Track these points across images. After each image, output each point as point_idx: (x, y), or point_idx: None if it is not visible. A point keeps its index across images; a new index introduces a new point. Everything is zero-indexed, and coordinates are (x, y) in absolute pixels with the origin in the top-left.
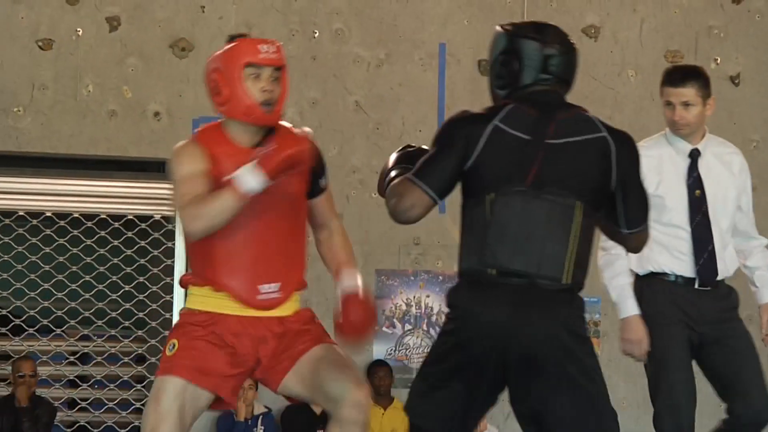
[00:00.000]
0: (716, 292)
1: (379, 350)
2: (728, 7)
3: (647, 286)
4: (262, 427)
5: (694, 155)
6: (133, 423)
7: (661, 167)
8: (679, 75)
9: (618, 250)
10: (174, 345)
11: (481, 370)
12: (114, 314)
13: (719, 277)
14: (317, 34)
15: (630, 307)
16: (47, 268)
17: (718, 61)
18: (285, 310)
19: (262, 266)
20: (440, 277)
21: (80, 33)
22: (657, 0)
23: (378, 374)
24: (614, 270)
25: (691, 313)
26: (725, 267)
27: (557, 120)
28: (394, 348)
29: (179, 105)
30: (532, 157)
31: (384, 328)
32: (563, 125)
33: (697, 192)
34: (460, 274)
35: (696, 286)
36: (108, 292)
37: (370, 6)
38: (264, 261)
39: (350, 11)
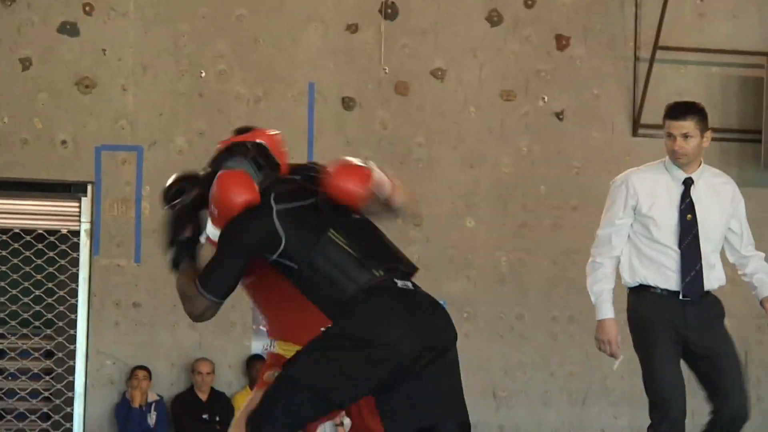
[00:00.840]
0: (701, 302)
1: (257, 346)
2: (554, 53)
3: (637, 295)
4: (155, 413)
5: (688, 183)
6: (41, 410)
7: (655, 190)
8: (680, 109)
9: (602, 259)
10: None
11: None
12: (26, 315)
13: (704, 291)
14: (204, 74)
15: (605, 311)
16: None
17: (546, 100)
18: None
19: None
20: None
21: None
22: (494, 47)
23: (256, 366)
24: (596, 277)
25: (677, 320)
26: (710, 283)
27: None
28: (269, 344)
29: (84, 135)
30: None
31: (261, 327)
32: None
33: (689, 216)
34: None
35: (680, 297)
36: (21, 296)
37: (249, 50)
38: None
39: (232, 54)
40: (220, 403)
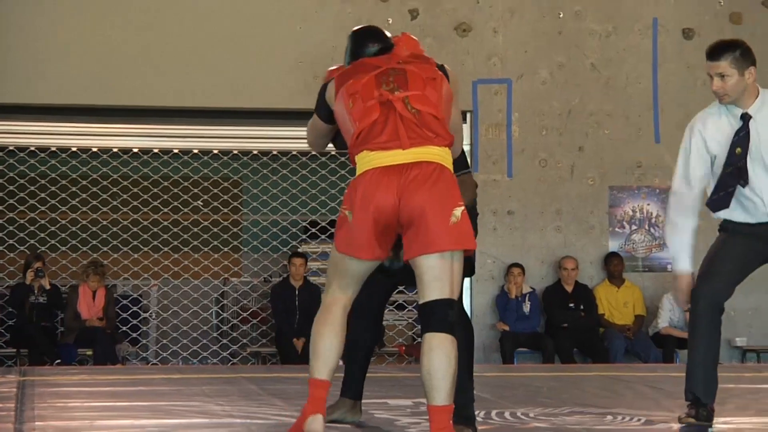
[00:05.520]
0: None
1: (613, 245)
2: None
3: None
4: (529, 303)
5: (746, 118)
6: None
7: (718, 129)
8: (715, 50)
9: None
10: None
11: None
12: None
13: None
14: (561, 15)
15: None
16: None
17: None
18: None
19: None
20: (657, 190)
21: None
22: None
23: (613, 262)
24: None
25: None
26: None
27: None
28: (624, 243)
29: (462, 71)
30: None
31: (616, 229)
32: None
33: (738, 150)
34: None
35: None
36: None
37: None
38: None
39: None
40: (584, 294)
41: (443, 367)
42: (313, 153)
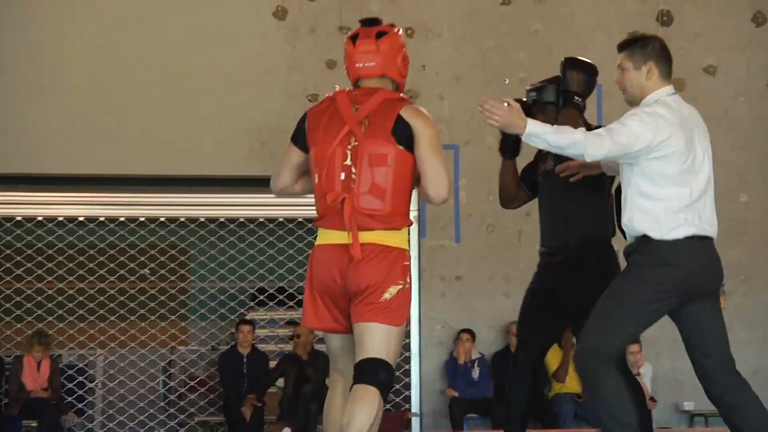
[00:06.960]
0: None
1: None
2: None
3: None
4: (478, 368)
5: None
6: None
7: None
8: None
9: None
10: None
11: None
12: None
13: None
14: (507, 81)
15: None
16: None
17: None
18: None
19: None
20: None
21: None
22: (761, 45)
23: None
24: None
25: None
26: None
27: None
28: None
29: None
30: None
31: None
32: None
33: None
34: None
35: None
36: None
37: (545, 60)
38: None
39: (531, 64)
40: None
41: (362, 419)
42: (261, 220)
